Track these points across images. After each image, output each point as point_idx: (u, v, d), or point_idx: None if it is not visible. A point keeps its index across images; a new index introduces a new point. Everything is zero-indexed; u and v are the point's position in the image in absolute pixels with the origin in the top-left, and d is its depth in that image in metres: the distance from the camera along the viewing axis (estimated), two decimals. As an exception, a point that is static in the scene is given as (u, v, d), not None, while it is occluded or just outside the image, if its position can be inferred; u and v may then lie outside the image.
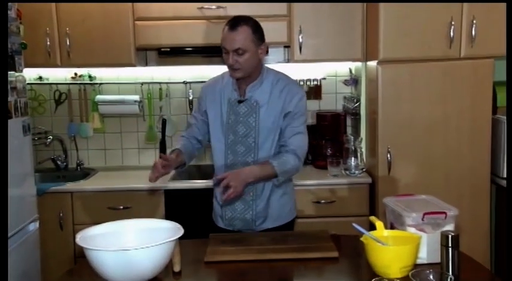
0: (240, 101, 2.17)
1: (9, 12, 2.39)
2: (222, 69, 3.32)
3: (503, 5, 2.73)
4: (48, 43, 3.03)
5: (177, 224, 1.73)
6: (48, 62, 3.07)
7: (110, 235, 1.73)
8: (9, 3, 2.40)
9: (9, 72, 2.38)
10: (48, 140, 3.36)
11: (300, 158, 2.13)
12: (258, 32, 2.11)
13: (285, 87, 2.16)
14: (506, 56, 2.43)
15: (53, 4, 3.02)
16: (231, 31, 2.05)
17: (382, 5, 2.76)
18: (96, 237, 1.68)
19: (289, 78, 2.24)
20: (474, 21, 2.75)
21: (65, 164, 3.43)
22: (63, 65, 3.10)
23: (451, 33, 2.76)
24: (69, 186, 2.99)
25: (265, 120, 2.15)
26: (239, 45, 2.04)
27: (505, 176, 2.85)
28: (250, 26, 2.07)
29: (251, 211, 2.21)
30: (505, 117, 2.87)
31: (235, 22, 2.07)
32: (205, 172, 3.34)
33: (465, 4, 2.76)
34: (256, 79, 2.16)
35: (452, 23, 2.75)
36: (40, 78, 3.38)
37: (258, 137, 2.16)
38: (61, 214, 2.92)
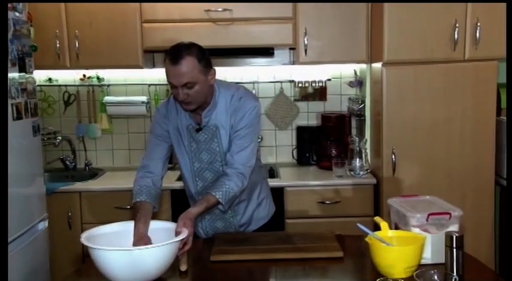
0: (198, 130, 2.02)
1: (20, 15, 2.43)
2: (228, 70, 3.40)
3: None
4: (58, 45, 3.07)
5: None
6: (58, 64, 3.11)
7: (114, 235, 1.75)
8: (20, 7, 2.44)
9: (19, 74, 2.41)
10: (57, 140, 3.40)
11: (244, 177, 1.98)
12: (203, 59, 1.88)
13: (239, 103, 2.00)
14: (506, 55, 2.44)
15: (62, 7, 3.06)
16: (174, 65, 1.82)
17: (386, 7, 2.78)
18: (100, 237, 1.70)
19: (244, 92, 2.06)
20: (478, 24, 2.76)
21: (73, 164, 3.47)
22: (72, 66, 3.14)
23: (455, 36, 2.77)
24: (78, 186, 3.03)
25: (226, 141, 2.02)
26: (187, 80, 1.84)
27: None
28: (194, 55, 1.85)
29: (233, 226, 2.19)
30: (506, 118, 2.88)
31: (176, 54, 1.84)
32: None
33: (469, 6, 2.77)
34: (210, 103, 1.99)
35: (457, 25, 2.77)
36: (49, 79, 3.42)
37: (224, 161, 2.04)
38: (69, 213, 2.96)
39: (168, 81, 1.88)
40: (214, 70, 1.95)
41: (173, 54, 1.84)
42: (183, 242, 1.73)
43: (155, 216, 2.54)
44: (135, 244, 1.76)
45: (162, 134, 2.08)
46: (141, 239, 1.78)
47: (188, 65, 1.83)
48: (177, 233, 1.74)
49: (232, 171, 1.96)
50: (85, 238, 1.66)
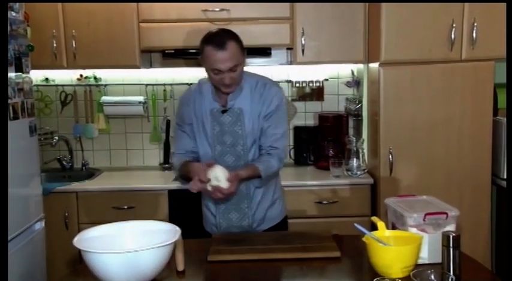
0: (223, 111, 2.11)
1: (17, 15, 2.43)
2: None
3: (504, 7, 2.76)
4: (55, 45, 3.07)
5: (174, 225, 1.75)
6: (55, 64, 3.11)
7: (107, 237, 1.73)
8: (17, 6, 2.43)
9: (16, 74, 2.41)
10: (54, 140, 3.40)
11: (282, 160, 2.14)
12: (240, 41, 2.04)
13: (264, 89, 2.11)
14: (506, 55, 2.45)
15: (60, 7, 3.06)
16: (221, 51, 1.94)
17: (384, 7, 2.79)
18: (93, 239, 1.68)
19: (267, 79, 2.19)
20: (475, 24, 2.77)
21: (70, 164, 3.47)
22: (69, 66, 3.13)
23: (452, 36, 2.78)
24: (75, 186, 3.02)
25: (249, 126, 2.11)
26: (234, 63, 1.97)
27: (505, 177, 2.88)
28: (235, 40, 2.00)
29: (247, 218, 2.21)
30: (506, 119, 2.89)
31: (220, 40, 1.96)
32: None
33: (466, 6, 2.78)
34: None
35: (454, 25, 2.77)
36: (46, 79, 3.42)
37: (245, 145, 2.13)
38: (66, 214, 2.95)
39: (212, 68, 1.97)
40: (245, 51, 2.07)
41: (217, 41, 1.95)
42: (221, 191, 1.88)
43: (152, 217, 2.54)
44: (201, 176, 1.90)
45: (186, 124, 2.17)
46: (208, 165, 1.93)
47: (233, 50, 1.96)
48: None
49: (273, 154, 2.10)
50: (79, 240, 1.64)
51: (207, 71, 2.04)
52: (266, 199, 2.23)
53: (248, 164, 2.11)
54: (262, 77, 2.18)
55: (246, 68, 2.13)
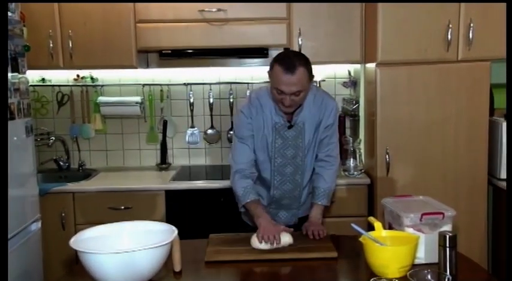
0: (289, 127, 2.17)
1: (13, 15, 2.42)
2: (222, 71, 3.40)
3: (500, 8, 2.77)
4: (51, 45, 3.06)
5: (170, 225, 1.75)
6: (51, 64, 3.10)
7: (104, 238, 1.74)
8: (13, 6, 2.43)
9: (12, 74, 2.40)
10: (51, 141, 3.39)
11: (337, 166, 2.29)
12: (310, 69, 2.04)
13: (322, 102, 2.18)
14: (506, 55, 2.45)
15: (56, 7, 3.05)
16: (289, 75, 1.96)
17: (380, 8, 2.79)
18: (89, 240, 1.68)
19: (323, 91, 2.28)
20: (471, 25, 2.78)
21: (67, 164, 3.46)
22: (66, 67, 3.12)
23: (449, 36, 2.79)
24: (71, 186, 3.01)
25: (308, 138, 2.20)
26: (298, 88, 1.99)
27: (502, 177, 2.88)
28: (305, 66, 2.00)
29: (294, 218, 2.34)
30: (503, 119, 2.90)
31: (290, 64, 1.97)
32: (205, 173, 3.37)
33: (462, 7, 2.79)
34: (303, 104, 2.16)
35: (450, 26, 2.78)
36: (43, 80, 3.41)
37: (304, 155, 2.21)
38: (63, 214, 2.95)
39: (276, 87, 2.01)
40: (313, 77, 2.09)
41: (288, 64, 1.97)
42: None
43: (149, 217, 2.54)
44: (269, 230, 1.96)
45: (249, 136, 2.18)
46: (275, 226, 2.00)
47: (300, 76, 1.98)
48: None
49: (330, 158, 2.24)
50: (75, 240, 1.64)
51: (271, 87, 2.07)
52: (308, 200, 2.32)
53: (313, 204, 2.23)
54: (318, 89, 2.28)
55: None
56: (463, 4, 2.78)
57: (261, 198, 2.23)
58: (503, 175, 2.88)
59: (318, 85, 3.40)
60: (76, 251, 1.58)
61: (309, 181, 2.28)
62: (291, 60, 1.99)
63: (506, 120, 2.84)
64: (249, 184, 2.14)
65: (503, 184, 2.85)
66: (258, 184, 2.27)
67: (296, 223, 2.32)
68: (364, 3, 3.06)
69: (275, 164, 2.21)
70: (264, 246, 1.90)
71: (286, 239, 1.95)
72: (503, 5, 2.76)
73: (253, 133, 2.17)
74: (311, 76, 2.05)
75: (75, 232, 1.76)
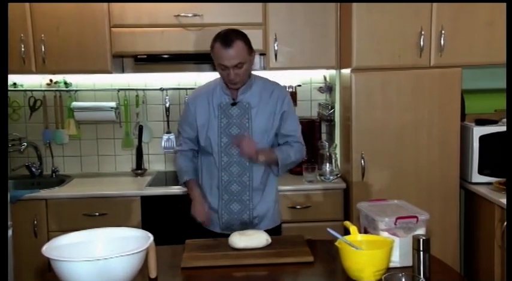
0: (233, 104, 2.24)
1: (-17, 18, 2.37)
2: (198, 75, 3.39)
3: (472, 15, 2.84)
4: (23, 49, 3.00)
5: (146, 232, 1.73)
6: (23, 69, 3.04)
7: (77, 245, 1.70)
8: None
9: (-17, 79, 2.35)
10: (23, 146, 3.31)
11: (302, 151, 2.33)
12: (248, 42, 2.17)
13: (273, 90, 2.28)
14: (506, 56, 2.50)
15: (28, 10, 2.99)
16: (226, 48, 2.10)
17: (355, 14, 2.83)
18: (63, 247, 1.65)
19: (275, 82, 2.36)
20: (443, 31, 2.84)
21: (39, 171, 3.39)
22: (38, 71, 3.07)
23: (421, 43, 2.84)
24: (44, 193, 2.96)
25: (258, 121, 2.24)
26: (239, 60, 2.11)
27: (473, 181, 2.94)
28: (242, 39, 2.14)
29: (248, 211, 2.28)
30: (473, 124, 2.96)
31: (227, 39, 2.11)
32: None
33: (434, 14, 2.84)
34: (246, 83, 2.24)
35: (422, 32, 2.84)
36: (14, 84, 3.34)
37: (252, 139, 2.21)
38: (35, 222, 2.89)
39: (218, 63, 2.14)
40: (254, 51, 2.22)
41: (225, 39, 2.11)
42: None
43: (124, 223, 2.52)
44: (198, 210, 2.24)
45: (191, 122, 2.29)
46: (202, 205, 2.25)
47: (238, 48, 2.11)
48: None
49: (293, 145, 2.30)
50: (48, 248, 1.61)
51: (216, 67, 2.19)
52: (268, 195, 2.32)
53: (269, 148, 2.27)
54: (270, 80, 2.36)
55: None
56: (434, 11, 2.84)
57: (211, 185, 2.30)
58: (475, 179, 2.94)
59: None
60: (49, 259, 1.55)
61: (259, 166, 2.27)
62: (227, 36, 2.13)
63: (506, 120, 2.82)
64: (189, 164, 2.34)
65: (475, 188, 2.91)
66: (206, 168, 2.31)
67: (275, 227, 2.33)
68: (339, 9, 3.09)
69: (221, 144, 2.24)
70: (242, 244, 1.93)
71: (263, 238, 1.95)
72: (475, 12, 2.84)
73: (195, 120, 2.27)
74: (250, 49, 2.17)
75: (48, 240, 1.72)
